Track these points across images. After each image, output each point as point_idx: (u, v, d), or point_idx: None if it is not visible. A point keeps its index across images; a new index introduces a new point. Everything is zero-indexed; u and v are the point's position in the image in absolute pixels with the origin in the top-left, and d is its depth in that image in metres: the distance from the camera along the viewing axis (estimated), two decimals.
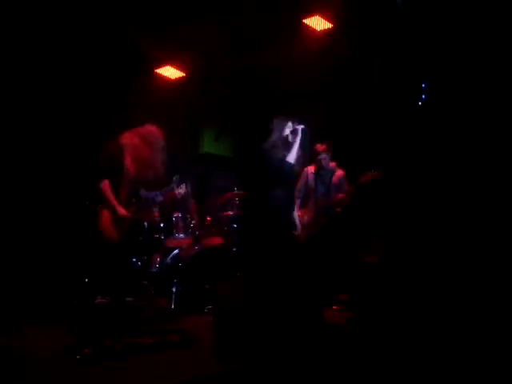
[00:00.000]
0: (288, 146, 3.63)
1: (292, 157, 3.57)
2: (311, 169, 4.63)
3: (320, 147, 4.65)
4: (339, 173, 4.77)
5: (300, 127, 3.64)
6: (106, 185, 3.13)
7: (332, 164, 4.77)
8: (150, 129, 3.42)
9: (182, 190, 3.87)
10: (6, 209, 4.18)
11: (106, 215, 3.13)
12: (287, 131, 3.67)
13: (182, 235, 4.76)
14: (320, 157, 4.72)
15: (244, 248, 4.71)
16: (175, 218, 4.77)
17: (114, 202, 3.13)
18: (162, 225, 4.81)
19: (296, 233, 3.86)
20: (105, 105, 5.04)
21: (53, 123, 4.66)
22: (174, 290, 4.29)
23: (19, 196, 4.31)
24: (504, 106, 4.04)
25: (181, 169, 5.60)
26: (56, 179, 4.57)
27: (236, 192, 5.00)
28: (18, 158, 4.37)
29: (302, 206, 4.62)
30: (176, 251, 4.71)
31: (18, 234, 4.19)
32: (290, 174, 3.62)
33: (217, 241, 4.77)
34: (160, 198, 3.51)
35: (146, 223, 4.85)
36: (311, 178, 4.42)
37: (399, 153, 4.70)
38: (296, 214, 3.93)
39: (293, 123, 3.70)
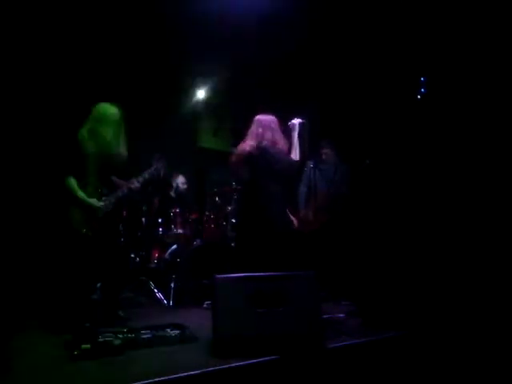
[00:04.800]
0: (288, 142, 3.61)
1: (296, 154, 3.55)
2: (313, 164, 4.61)
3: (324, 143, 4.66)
4: (342, 168, 4.77)
5: (297, 121, 3.62)
6: (71, 181, 3.18)
7: (335, 159, 4.77)
8: (102, 106, 3.38)
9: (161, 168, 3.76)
10: None
11: (77, 212, 3.17)
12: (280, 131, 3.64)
13: (180, 230, 4.75)
14: (322, 152, 4.72)
15: (241, 243, 4.70)
16: (173, 213, 4.76)
17: (83, 196, 3.17)
18: (160, 220, 4.80)
19: (292, 228, 3.84)
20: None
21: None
22: (172, 285, 4.29)
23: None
24: (502, 102, 4.04)
25: (178, 163, 5.63)
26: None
27: (234, 187, 4.99)
28: None
29: (306, 204, 4.61)
30: (174, 246, 4.70)
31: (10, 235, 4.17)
32: (293, 171, 3.61)
33: None
34: (137, 185, 3.43)
35: (143, 219, 4.86)
36: (313, 173, 4.41)
37: (397, 147, 4.69)
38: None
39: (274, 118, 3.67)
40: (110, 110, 3.36)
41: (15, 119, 4.46)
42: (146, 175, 3.50)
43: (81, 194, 3.17)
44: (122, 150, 3.43)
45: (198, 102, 6.31)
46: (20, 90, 4.53)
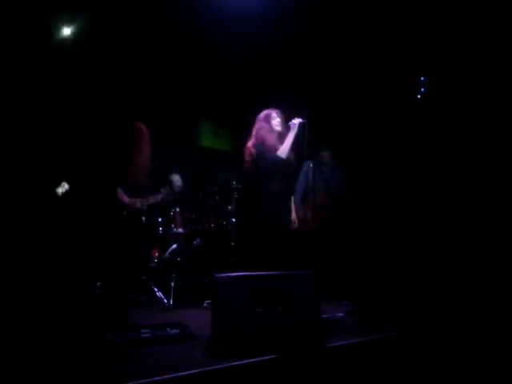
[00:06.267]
0: (281, 140, 3.62)
1: (284, 151, 3.54)
2: (311, 164, 4.62)
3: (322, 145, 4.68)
4: (339, 168, 4.79)
5: (298, 121, 3.61)
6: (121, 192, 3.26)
7: (332, 160, 4.79)
8: (140, 127, 3.40)
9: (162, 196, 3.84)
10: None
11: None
12: (275, 121, 3.65)
13: (180, 229, 4.76)
14: (321, 153, 4.73)
15: (242, 242, 4.71)
16: (173, 212, 4.77)
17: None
18: (160, 219, 4.81)
19: (292, 227, 3.84)
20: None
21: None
22: (172, 284, 4.29)
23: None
24: (502, 102, 4.04)
25: (178, 163, 5.63)
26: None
27: (234, 186, 5.00)
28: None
29: (303, 202, 4.62)
30: (174, 246, 4.71)
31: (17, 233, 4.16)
32: (283, 169, 3.60)
33: None
34: (138, 205, 3.53)
35: (143, 218, 4.86)
36: (311, 173, 4.41)
37: (398, 147, 4.70)
38: (293, 207, 3.90)
39: (277, 113, 3.67)
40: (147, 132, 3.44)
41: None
42: (152, 200, 3.58)
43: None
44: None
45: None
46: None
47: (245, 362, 2.34)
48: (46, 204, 4.33)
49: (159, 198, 3.62)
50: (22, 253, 4.10)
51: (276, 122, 3.65)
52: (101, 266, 3.31)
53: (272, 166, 3.52)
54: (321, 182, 4.62)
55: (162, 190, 3.66)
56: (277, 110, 3.70)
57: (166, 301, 4.20)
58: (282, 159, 3.53)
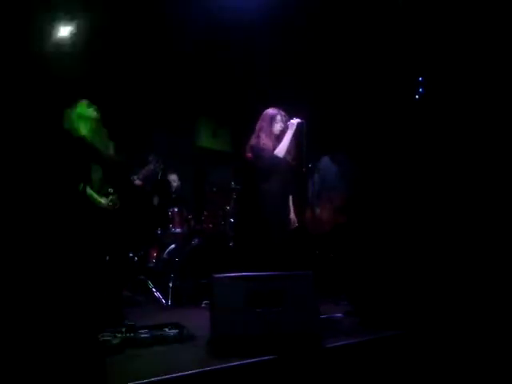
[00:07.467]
0: (279, 139, 3.60)
1: (281, 151, 3.53)
2: (327, 164, 4.60)
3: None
4: (355, 169, 4.78)
5: (296, 121, 3.61)
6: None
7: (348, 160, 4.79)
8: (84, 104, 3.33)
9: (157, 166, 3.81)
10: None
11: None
12: (277, 125, 3.63)
13: (178, 229, 4.75)
14: (339, 153, 4.73)
15: (240, 242, 4.71)
16: (171, 212, 4.76)
17: (91, 193, 3.18)
18: (158, 219, 4.81)
19: (291, 227, 3.83)
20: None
21: None
22: (170, 284, 4.29)
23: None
24: (502, 102, 4.05)
25: (177, 163, 5.63)
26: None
27: (233, 186, 5.00)
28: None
29: (318, 201, 4.60)
30: (172, 246, 4.71)
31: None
32: (281, 168, 3.59)
33: None
34: (138, 182, 3.50)
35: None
36: (320, 175, 4.39)
37: (397, 147, 4.70)
38: (291, 207, 3.88)
39: (283, 116, 3.66)
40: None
41: None
42: (145, 172, 3.54)
43: (89, 191, 3.17)
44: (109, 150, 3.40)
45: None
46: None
47: (244, 362, 2.34)
48: (45, 201, 4.31)
49: (152, 166, 3.63)
50: (20, 251, 4.09)
51: (279, 126, 3.63)
52: (100, 265, 3.30)
53: (268, 165, 3.51)
54: (338, 182, 4.58)
55: (150, 158, 3.66)
56: (283, 113, 3.68)
57: (164, 301, 4.20)
58: (278, 158, 3.52)
